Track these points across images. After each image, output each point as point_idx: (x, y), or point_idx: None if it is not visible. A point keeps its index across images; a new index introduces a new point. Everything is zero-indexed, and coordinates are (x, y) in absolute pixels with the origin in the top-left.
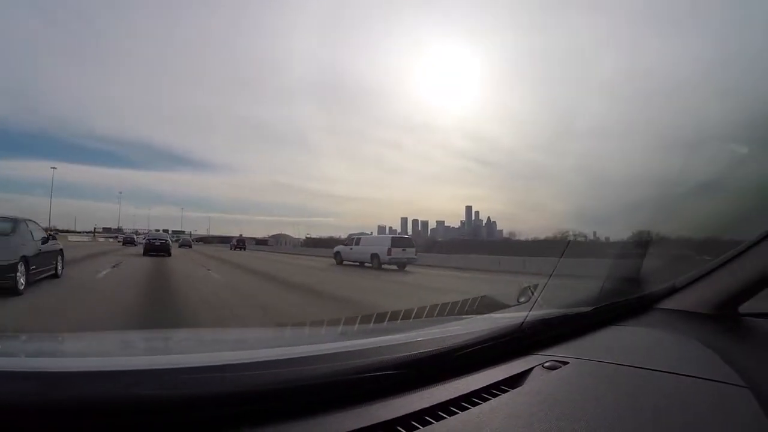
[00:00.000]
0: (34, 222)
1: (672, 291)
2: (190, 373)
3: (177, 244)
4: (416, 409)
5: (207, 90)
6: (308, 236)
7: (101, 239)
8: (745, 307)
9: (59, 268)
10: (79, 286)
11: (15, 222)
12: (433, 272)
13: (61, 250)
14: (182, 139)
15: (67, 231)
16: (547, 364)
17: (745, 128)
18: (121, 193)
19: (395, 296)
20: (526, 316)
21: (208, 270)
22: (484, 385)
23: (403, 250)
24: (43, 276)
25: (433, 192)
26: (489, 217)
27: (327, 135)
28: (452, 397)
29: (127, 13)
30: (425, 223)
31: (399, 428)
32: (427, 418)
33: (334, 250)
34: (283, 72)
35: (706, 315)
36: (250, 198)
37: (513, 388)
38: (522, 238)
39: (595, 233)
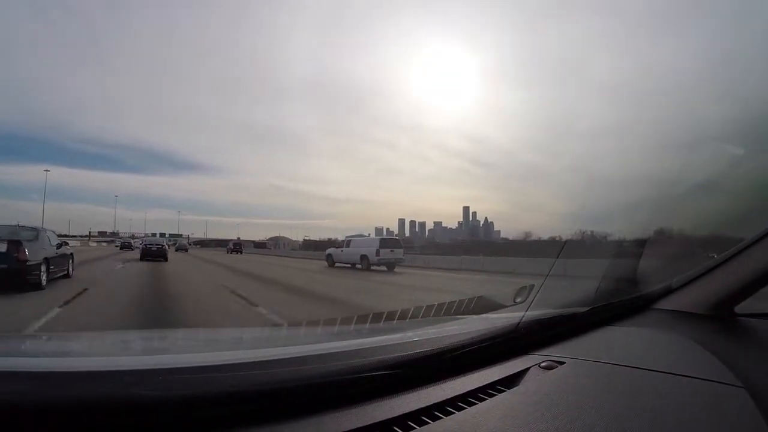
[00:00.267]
0: (51, 231)
1: (668, 291)
2: (187, 373)
3: (174, 248)
4: (412, 409)
5: (203, 92)
6: (306, 238)
7: (93, 243)
8: (741, 308)
9: (71, 269)
10: (88, 284)
11: (38, 231)
12: (420, 273)
13: (72, 254)
14: (178, 142)
15: (61, 236)
16: (543, 364)
17: (741, 129)
18: (117, 196)
19: (380, 296)
20: (523, 316)
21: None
22: (481, 385)
23: (392, 251)
24: (58, 275)
25: (430, 193)
26: (486, 218)
27: (324, 137)
28: (448, 397)
29: (124, 15)
30: (423, 224)
31: (395, 428)
32: (423, 418)
33: (326, 253)
34: (280, 73)
35: (703, 315)
36: (247, 201)
37: (509, 388)
38: (519, 238)
39: (592, 233)
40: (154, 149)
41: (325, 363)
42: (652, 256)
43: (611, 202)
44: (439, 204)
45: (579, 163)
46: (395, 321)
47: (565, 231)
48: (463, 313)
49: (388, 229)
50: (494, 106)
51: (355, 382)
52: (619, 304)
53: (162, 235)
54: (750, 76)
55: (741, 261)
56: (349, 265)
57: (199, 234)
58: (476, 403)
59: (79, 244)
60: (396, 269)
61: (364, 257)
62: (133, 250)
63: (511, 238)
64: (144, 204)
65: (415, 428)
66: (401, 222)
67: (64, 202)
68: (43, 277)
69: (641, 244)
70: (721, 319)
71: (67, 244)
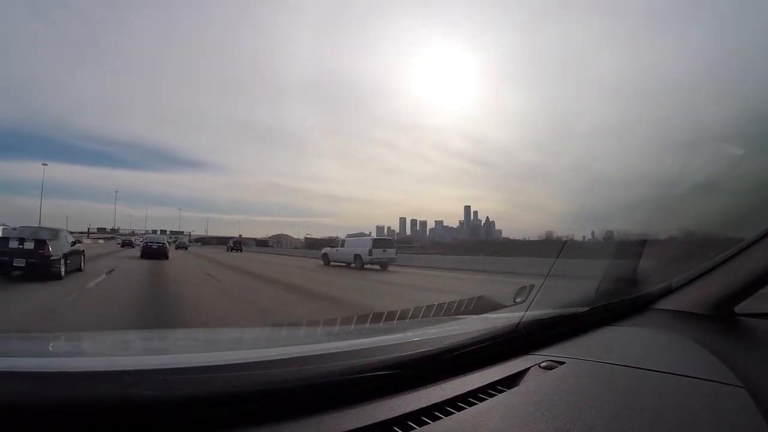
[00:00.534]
0: (67, 231)
1: (668, 291)
2: (187, 373)
3: (174, 246)
4: (412, 410)
5: (204, 90)
6: (308, 236)
7: (88, 240)
8: (741, 308)
9: (83, 264)
10: (97, 276)
11: (57, 231)
12: (412, 272)
13: (83, 251)
14: (179, 140)
15: None
16: (543, 364)
17: (741, 129)
18: (117, 192)
19: (365, 292)
20: (523, 316)
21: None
22: (481, 385)
23: (384, 250)
24: (73, 269)
25: (431, 192)
26: (488, 217)
27: (325, 135)
28: (448, 397)
29: (124, 12)
30: (424, 223)
31: (395, 428)
32: (423, 418)
33: (322, 252)
34: (280, 72)
35: (703, 315)
36: (247, 198)
37: (509, 388)
38: (520, 237)
39: (593, 233)
40: (154, 147)
41: (325, 363)
42: (652, 256)
43: (611, 202)
44: (440, 203)
45: (579, 162)
46: (395, 321)
47: (566, 231)
48: (463, 313)
49: (389, 227)
50: (494, 105)
51: (356, 382)
52: (619, 304)
53: (163, 232)
54: (750, 76)
55: (741, 261)
56: (344, 264)
57: (199, 231)
58: (476, 403)
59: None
60: (390, 268)
61: (357, 257)
62: (134, 247)
63: (512, 237)
64: (144, 201)
65: (415, 428)
66: (402, 221)
67: (64, 198)
68: (62, 270)
69: (641, 244)
70: (721, 319)
71: (80, 242)
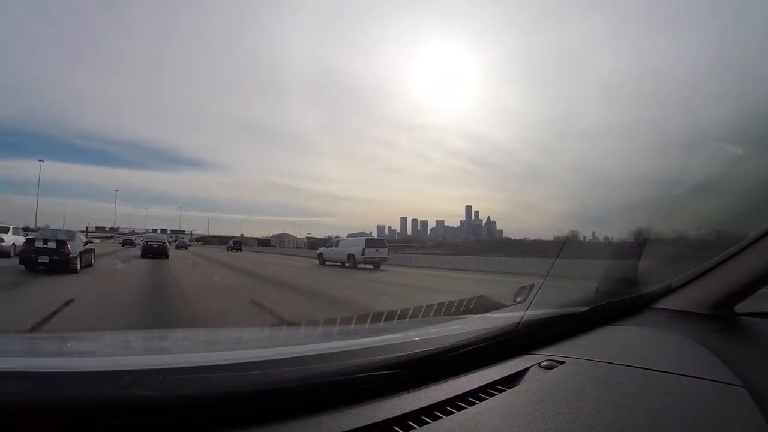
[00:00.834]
0: (81, 232)
1: (668, 291)
2: (187, 373)
3: (174, 245)
4: (412, 409)
5: (204, 89)
6: (309, 236)
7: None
8: (741, 307)
9: (93, 260)
10: (106, 270)
11: (74, 233)
12: (403, 271)
13: (94, 249)
14: (179, 139)
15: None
16: (543, 364)
17: (741, 129)
18: (117, 191)
19: (352, 289)
20: (523, 315)
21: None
22: (481, 384)
23: (377, 250)
24: (85, 265)
25: (432, 192)
26: (489, 217)
27: (325, 135)
28: (448, 396)
29: (124, 11)
30: (425, 223)
31: (395, 428)
32: (423, 417)
33: (318, 251)
34: (281, 71)
35: (703, 315)
36: (248, 198)
37: (509, 388)
38: (521, 237)
39: (594, 233)
40: (155, 146)
41: (325, 363)
42: (652, 255)
43: (611, 202)
44: (441, 203)
45: (579, 162)
46: (395, 321)
47: (566, 231)
48: (463, 313)
49: (390, 227)
50: (495, 105)
51: (355, 381)
52: (619, 304)
53: (163, 231)
54: (750, 76)
55: (741, 260)
56: (339, 264)
57: (200, 230)
58: (476, 403)
59: None
60: (384, 267)
61: (351, 256)
62: (134, 246)
63: (513, 237)
64: (145, 200)
65: (416, 428)
66: (403, 220)
67: (64, 198)
68: (78, 265)
69: (641, 243)
70: (721, 318)
71: (91, 242)
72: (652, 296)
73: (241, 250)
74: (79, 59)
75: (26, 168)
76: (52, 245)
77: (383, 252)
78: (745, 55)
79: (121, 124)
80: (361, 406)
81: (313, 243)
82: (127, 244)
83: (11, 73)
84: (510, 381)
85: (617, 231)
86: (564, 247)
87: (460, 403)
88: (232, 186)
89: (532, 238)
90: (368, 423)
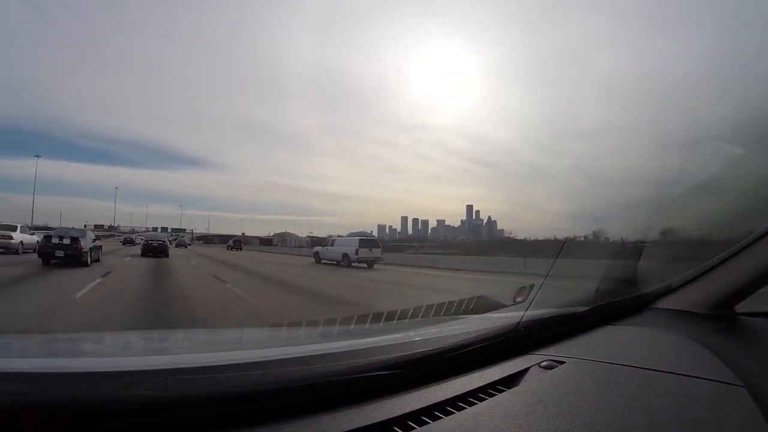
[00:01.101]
0: (90, 231)
1: (668, 291)
2: (188, 374)
3: (174, 244)
4: (412, 409)
5: (204, 89)
6: (310, 235)
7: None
8: (741, 307)
9: (100, 256)
10: (112, 265)
11: (85, 231)
12: (396, 270)
13: (101, 246)
14: (179, 138)
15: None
16: (543, 364)
17: (741, 129)
18: (117, 188)
19: (341, 286)
20: (523, 315)
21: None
22: (481, 384)
23: (370, 250)
24: (93, 260)
25: (432, 191)
26: (490, 217)
27: (326, 134)
28: (448, 397)
29: (124, 10)
30: (425, 222)
31: (395, 428)
32: (423, 418)
33: (314, 250)
34: (281, 71)
35: (703, 314)
36: (248, 197)
37: (509, 388)
38: (521, 237)
39: (594, 233)
40: (155, 145)
41: (325, 363)
42: (652, 255)
43: (612, 202)
44: (442, 202)
45: (579, 162)
46: (395, 321)
47: (567, 231)
48: (463, 313)
49: (390, 226)
50: (495, 105)
51: (356, 382)
52: (619, 304)
53: (164, 229)
54: (750, 75)
55: (741, 260)
56: (334, 262)
57: (201, 229)
58: (476, 403)
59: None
60: (378, 267)
61: (345, 255)
62: (135, 245)
63: (514, 237)
64: (145, 199)
65: (416, 428)
66: (404, 220)
67: (65, 196)
68: (89, 259)
69: (641, 243)
70: (721, 318)
71: (99, 239)
72: (652, 296)
73: (240, 249)
74: (80, 59)
75: (27, 167)
76: (66, 241)
77: (377, 252)
78: (745, 55)
79: (121, 123)
80: (361, 406)
81: (314, 242)
82: (128, 242)
83: (12, 72)
84: (510, 381)
85: (617, 231)
86: (564, 247)
87: (460, 403)
88: (232, 185)
89: (532, 238)
90: (368, 423)
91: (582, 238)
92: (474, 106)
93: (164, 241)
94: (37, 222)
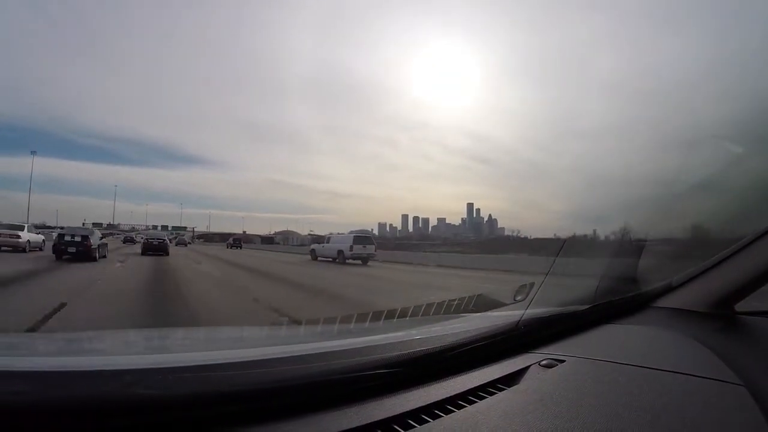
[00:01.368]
0: (97, 230)
1: (668, 289)
2: (188, 372)
3: (174, 243)
4: (412, 408)
5: (205, 87)
6: (311, 233)
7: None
8: (741, 306)
9: (106, 253)
10: (117, 260)
11: (93, 230)
12: (388, 267)
13: (107, 244)
14: (179, 136)
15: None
16: (543, 363)
17: (740, 128)
18: (116, 186)
19: (330, 283)
20: (523, 314)
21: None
22: (481, 383)
23: (364, 246)
24: (101, 256)
25: (433, 190)
26: (490, 215)
27: (326, 132)
28: (449, 395)
29: (124, 9)
30: (426, 220)
31: (395, 427)
32: (423, 416)
33: (310, 248)
34: (282, 69)
35: (703, 313)
36: (248, 195)
37: (509, 387)
38: (522, 235)
39: (595, 231)
40: (155, 143)
41: (325, 361)
42: (653, 254)
43: (612, 201)
44: (442, 200)
45: (580, 161)
46: (395, 319)
47: (567, 229)
48: (463, 311)
49: (391, 224)
50: (495, 104)
51: (356, 380)
52: (619, 302)
53: (164, 228)
54: (750, 75)
55: (741, 259)
56: (330, 259)
57: (201, 227)
58: (476, 402)
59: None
60: (371, 263)
61: (340, 252)
62: (135, 243)
63: (514, 235)
64: (145, 197)
65: (416, 426)
66: (404, 218)
67: (65, 194)
68: (97, 255)
69: (641, 242)
70: (721, 317)
71: (105, 237)
72: (653, 295)
73: (240, 248)
74: (80, 57)
75: (27, 165)
76: (78, 239)
77: (370, 248)
78: (744, 55)
79: (121, 121)
80: (361, 404)
81: (315, 240)
82: (128, 241)
83: (11, 70)
84: (510, 379)
85: (617, 229)
86: (564, 245)
87: (460, 402)
88: (232, 183)
89: (533, 236)
90: (369, 421)
91: (583, 237)
92: (474, 105)
93: (164, 240)
94: (36, 220)
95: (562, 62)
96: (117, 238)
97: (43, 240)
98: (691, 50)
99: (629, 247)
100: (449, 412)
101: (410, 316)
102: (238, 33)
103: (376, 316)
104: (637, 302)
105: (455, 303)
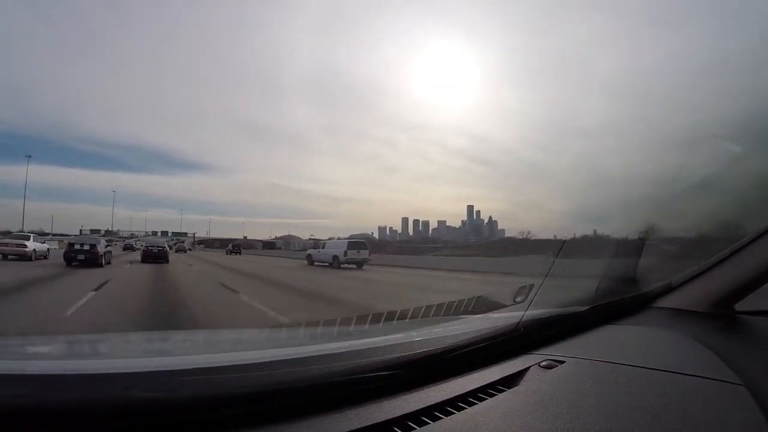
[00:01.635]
0: (104, 237)
1: (668, 289)
2: (188, 375)
3: (173, 249)
4: (412, 410)
5: (203, 91)
6: (312, 237)
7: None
8: (741, 305)
9: (111, 260)
10: (121, 265)
11: (99, 239)
12: (379, 269)
13: (111, 251)
14: (178, 141)
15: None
16: (543, 364)
17: (741, 126)
18: (115, 192)
19: (321, 284)
20: (523, 315)
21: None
22: (481, 385)
23: (358, 251)
24: (106, 263)
25: (433, 192)
26: (491, 217)
27: (325, 136)
28: (448, 397)
29: (123, 12)
30: (426, 223)
31: (395, 429)
32: (423, 418)
33: (307, 253)
34: (281, 72)
35: (703, 313)
36: (248, 200)
37: (509, 388)
38: (522, 237)
39: (595, 231)
40: (154, 149)
41: (325, 364)
42: (652, 254)
43: (611, 201)
44: (442, 203)
45: (579, 161)
46: (395, 321)
47: (567, 230)
48: (463, 313)
49: (391, 227)
50: (494, 104)
51: (356, 382)
52: (619, 303)
53: (164, 233)
54: (750, 73)
55: (741, 258)
56: (326, 264)
57: (202, 233)
58: (476, 403)
59: (57, 246)
60: (366, 267)
61: (335, 257)
62: (135, 251)
63: (515, 236)
64: (144, 203)
65: (416, 428)
66: (404, 221)
67: (64, 202)
68: (103, 262)
69: (641, 242)
70: (721, 316)
71: (109, 245)
72: (652, 295)
73: (240, 253)
74: (78, 61)
75: (24, 172)
76: (86, 247)
77: (364, 253)
78: (744, 54)
79: (120, 126)
80: (362, 406)
81: (315, 245)
82: (128, 248)
83: (9, 75)
84: (510, 381)
85: (617, 229)
86: (564, 246)
87: (460, 404)
88: (232, 188)
89: (534, 238)
90: (369, 424)
91: (582, 237)
92: (474, 105)
93: (164, 247)
94: (33, 227)
95: (561, 62)
96: (116, 245)
97: (48, 249)
98: (690, 49)
99: (629, 247)
100: (449, 413)
101: (410, 318)
102: (238, 33)
103: (376, 318)
104: (637, 302)
105: (455, 305)
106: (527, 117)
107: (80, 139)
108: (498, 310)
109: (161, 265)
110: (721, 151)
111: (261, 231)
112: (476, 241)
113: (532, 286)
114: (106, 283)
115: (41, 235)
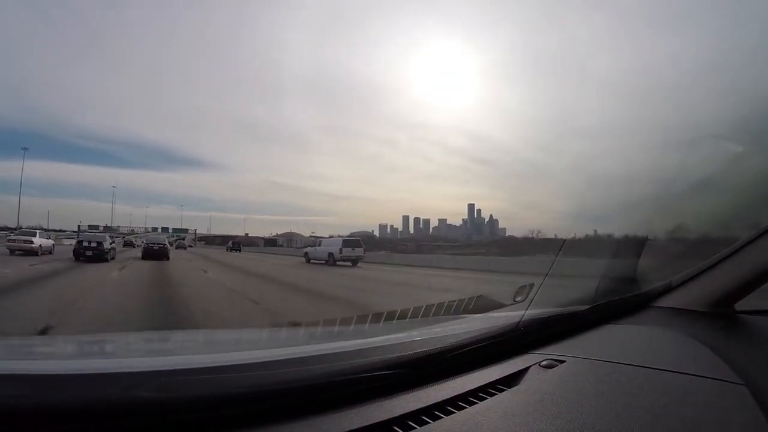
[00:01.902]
0: (109, 234)
1: (668, 289)
2: (188, 375)
3: (174, 246)
4: (413, 409)
5: (204, 89)
6: (313, 234)
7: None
8: (741, 305)
9: (115, 255)
10: (125, 260)
11: (105, 236)
12: (378, 268)
13: (115, 248)
14: (178, 139)
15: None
16: (543, 363)
17: (741, 126)
18: (114, 187)
19: (317, 282)
20: (523, 315)
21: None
22: (481, 384)
23: (353, 249)
24: (111, 258)
25: (433, 191)
26: (491, 215)
27: (325, 134)
28: (449, 396)
29: (123, 11)
30: (427, 221)
31: (395, 428)
32: (423, 417)
33: (304, 251)
34: (281, 70)
35: (703, 312)
36: (248, 197)
37: (509, 387)
38: (522, 236)
39: (595, 231)
40: (154, 146)
41: (327, 363)
42: (652, 254)
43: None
44: (443, 201)
45: (579, 161)
46: (395, 321)
47: (567, 229)
48: (463, 313)
49: (392, 226)
50: (495, 104)
51: (356, 382)
52: (619, 302)
53: (164, 230)
54: (750, 73)
55: (741, 258)
56: (322, 262)
57: (202, 229)
58: (477, 403)
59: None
60: (360, 264)
61: (330, 254)
62: (135, 247)
63: (515, 235)
64: (145, 200)
65: (416, 428)
66: (405, 219)
67: (64, 197)
68: (109, 258)
69: (641, 242)
70: (721, 316)
71: (114, 241)
72: (653, 294)
73: (239, 251)
74: (78, 59)
75: (27, 168)
76: (93, 244)
77: (359, 251)
78: (745, 53)
79: (120, 123)
80: (362, 406)
81: (311, 243)
82: (128, 245)
83: (10, 73)
84: (510, 380)
85: (617, 229)
86: (564, 246)
87: (460, 403)
88: (232, 185)
89: (535, 237)
90: (369, 423)
91: (583, 237)
92: (474, 105)
93: (164, 245)
94: (30, 223)
95: (561, 61)
96: (116, 241)
97: (53, 244)
98: (690, 48)
99: (629, 246)
100: (449, 413)
101: (410, 317)
102: (238, 34)
103: (376, 317)
104: (637, 302)
105: (455, 304)
106: (527, 116)
107: (80, 135)
108: (498, 310)
109: (161, 263)
110: (721, 151)
111: (261, 227)
112: (477, 240)
113: (532, 285)
114: (123, 268)
115: (40, 230)
